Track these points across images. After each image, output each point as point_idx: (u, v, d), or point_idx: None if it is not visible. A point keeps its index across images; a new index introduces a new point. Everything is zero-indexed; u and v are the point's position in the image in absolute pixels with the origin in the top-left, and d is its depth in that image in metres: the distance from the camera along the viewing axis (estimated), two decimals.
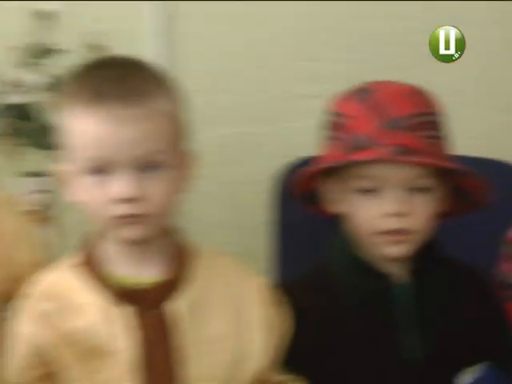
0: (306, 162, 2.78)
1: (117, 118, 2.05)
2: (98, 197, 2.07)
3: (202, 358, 2.14)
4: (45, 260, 2.33)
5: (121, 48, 2.64)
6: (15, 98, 2.91)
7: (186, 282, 2.15)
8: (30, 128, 2.96)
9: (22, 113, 2.95)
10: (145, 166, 2.07)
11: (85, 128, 2.07)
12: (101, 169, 2.06)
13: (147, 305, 2.12)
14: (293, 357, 2.25)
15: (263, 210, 2.82)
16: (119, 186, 2.05)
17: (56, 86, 2.87)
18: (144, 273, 2.14)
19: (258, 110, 3.33)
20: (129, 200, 2.04)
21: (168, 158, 2.10)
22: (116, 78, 2.10)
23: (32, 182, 2.97)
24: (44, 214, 2.91)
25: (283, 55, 3.35)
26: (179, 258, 2.18)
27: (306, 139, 2.95)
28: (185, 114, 2.17)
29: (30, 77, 2.91)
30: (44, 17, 2.93)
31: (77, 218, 2.59)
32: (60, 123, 2.16)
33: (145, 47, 3.15)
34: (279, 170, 2.79)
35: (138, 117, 2.06)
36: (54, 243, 2.81)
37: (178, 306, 2.13)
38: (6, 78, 2.89)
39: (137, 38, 3.16)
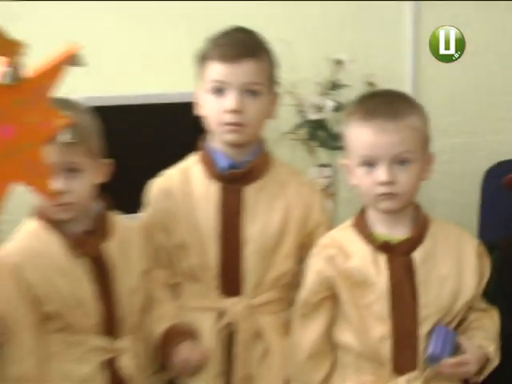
0: (504, 164, 2.84)
1: (383, 129, 2.09)
2: (367, 181, 2.13)
3: (431, 291, 2.15)
4: (328, 221, 2.38)
5: (387, 85, 2.67)
6: (313, 116, 2.96)
7: (422, 239, 2.18)
8: (322, 135, 3.01)
9: (318, 125, 2.99)
10: (399, 161, 2.11)
11: (360, 135, 2.13)
12: (369, 163, 2.12)
13: (397, 254, 2.16)
14: (493, 293, 2.27)
15: (473, 194, 2.83)
16: (381, 174, 2.10)
17: (341, 108, 2.90)
18: (395, 232, 2.18)
19: (475, 126, 3.31)
20: (387, 183, 2.09)
21: (415, 156, 2.12)
22: (384, 103, 2.14)
23: (322, 171, 3.00)
24: (328, 192, 2.96)
25: (491, 90, 3.32)
26: (419, 223, 2.19)
27: (504, 148, 2.99)
28: (428, 128, 2.20)
29: (324, 102, 2.93)
30: (336, 62, 2.95)
31: (347, 195, 2.82)
32: (343, 132, 2.21)
33: (403, 84, 3.20)
34: (486, 168, 2.79)
35: (397, 129, 2.09)
36: (333, 211, 2.87)
37: (417, 255, 2.15)
38: (309, 103, 2.92)
39: (398, 77, 3.21)
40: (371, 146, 2.10)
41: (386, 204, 2.12)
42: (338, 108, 2.93)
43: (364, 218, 2.20)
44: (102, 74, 2.73)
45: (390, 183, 2.09)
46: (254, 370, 2.27)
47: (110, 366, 2.16)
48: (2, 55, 1.86)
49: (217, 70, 2.22)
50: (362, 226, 2.20)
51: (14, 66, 1.88)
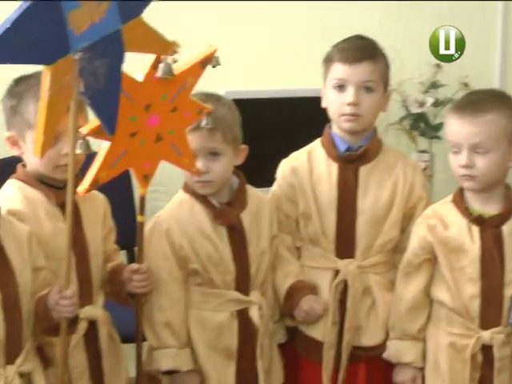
0: None
1: (464, 122, 1.96)
2: (454, 164, 2.00)
3: None
4: (428, 197, 2.22)
5: (478, 84, 2.56)
6: (416, 110, 2.80)
7: (511, 214, 2.01)
8: (422, 126, 2.84)
9: (419, 118, 2.83)
10: (477, 150, 1.96)
11: (450, 126, 2.02)
12: (455, 149, 1.99)
13: (488, 226, 2.00)
14: None
15: None
16: (462, 159, 1.97)
17: (439, 104, 2.76)
18: (488, 208, 2.02)
19: None
20: (465, 166, 1.96)
21: (495, 147, 1.96)
22: (472, 101, 2.02)
23: (421, 156, 2.84)
24: (427, 174, 2.77)
25: None
26: (508, 201, 2.03)
27: None
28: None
29: (425, 98, 2.78)
30: (436, 66, 2.74)
31: (441, 176, 2.67)
32: (444, 124, 2.10)
33: (492, 84, 2.95)
34: None
35: (477, 122, 1.95)
36: (429, 190, 2.68)
37: (505, 228, 2.00)
38: (412, 99, 2.77)
39: (487, 78, 2.96)
40: (455, 135, 2.00)
41: (466, 184, 2.02)
42: (437, 104, 2.83)
43: (461, 195, 2.07)
44: (243, 71, 2.67)
45: (467, 167, 1.97)
46: (362, 321, 2.16)
47: (242, 315, 2.05)
48: (159, 53, 1.80)
49: (339, 70, 2.14)
50: (459, 202, 2.06)
51: (168, 63, 1.80)
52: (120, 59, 1.68)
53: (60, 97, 1.59)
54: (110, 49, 1.65)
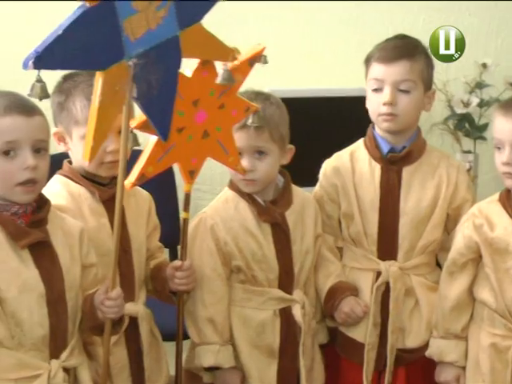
0: None
1: (508, 119, 1.91)
2: (497, 161, 1.95)
3: None
4: (473, 198, 2.18)
5: None
6: (460, 110, 2.76)
7: None
8: (467, 127, 2.80)
9: (464, 118, 2.79)
10: None
11: (495, 123, 1.98)
12: (499, 146, 1.94)
13: None
14: None
15: None
16: (504, 156, 1.92)
17: (484, 104, 2.72)
18: None
19: None
20: (506, 164, 1.92)
21: None
22: None
23: (466, 157, 2.78)
24: (471, 175, 2.74)
25: None
26: None
27: None
28: None
29: (470, 98, 2.74)
30: (482, 66, 2.73)
31: (486, 177, 2.65)
32: (491, 122, 2.08)
33: None
34: None
35: None
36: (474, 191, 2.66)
37: None
38: (457, 99, 2.75)
39: None
40: (500, 132, 1.96)
41: (507, 182, 1.97)
42: (482, 104, 2.79)
43: (508, 195, 2.01)
44: (288, 69, 2.69)
45: (508, 164, 1.93)
46: (405, 323, 2.15)
47: (285, 313, 2.05)
48: (219, 60, 1.79)
49: (376, 70, 2.13)
50: (506, 202, 2.00)
51: (228, 69, 1.80)
52: (177, 65, 1.66)
53: (112, 102, 1.55)
54: (167, 55, 1.62)
